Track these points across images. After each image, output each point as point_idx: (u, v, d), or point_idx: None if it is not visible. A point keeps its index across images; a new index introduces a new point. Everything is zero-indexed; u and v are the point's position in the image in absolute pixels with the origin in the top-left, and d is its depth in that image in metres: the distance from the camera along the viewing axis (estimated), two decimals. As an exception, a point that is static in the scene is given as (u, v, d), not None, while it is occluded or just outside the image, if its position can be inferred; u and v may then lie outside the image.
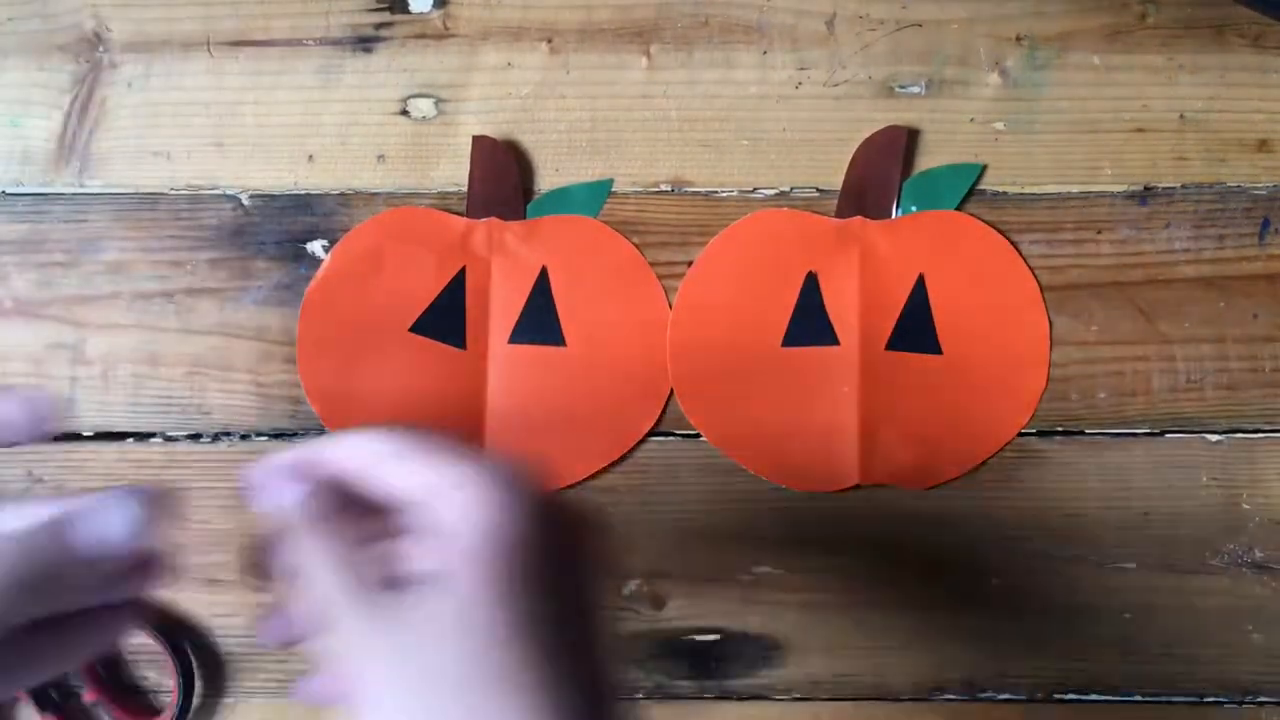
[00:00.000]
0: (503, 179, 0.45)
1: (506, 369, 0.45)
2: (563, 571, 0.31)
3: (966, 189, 0.45)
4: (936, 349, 0.44)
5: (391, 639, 0.30)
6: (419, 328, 0.45)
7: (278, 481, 0.33)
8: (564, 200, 0.45)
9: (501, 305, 0.45)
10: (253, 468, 0.32)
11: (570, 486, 0.45)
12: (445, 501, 0.30)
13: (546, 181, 0.45)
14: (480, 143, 0.45)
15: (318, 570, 0.31)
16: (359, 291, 0.45)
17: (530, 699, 0.29)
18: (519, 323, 0.45)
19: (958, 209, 0.45)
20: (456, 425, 0.45)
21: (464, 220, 0.45)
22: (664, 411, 0.45)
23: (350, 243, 0.45)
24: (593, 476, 0.45)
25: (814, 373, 0.45)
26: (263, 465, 0.33)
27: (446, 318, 0.45)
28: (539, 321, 0.45)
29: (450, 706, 0.29)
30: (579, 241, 0.45)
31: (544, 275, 0.45)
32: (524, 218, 0.45)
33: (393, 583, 0.30)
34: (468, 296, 0.45)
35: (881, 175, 0.45)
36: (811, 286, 0.45)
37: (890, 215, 0.45)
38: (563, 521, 0.31)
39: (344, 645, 0.31)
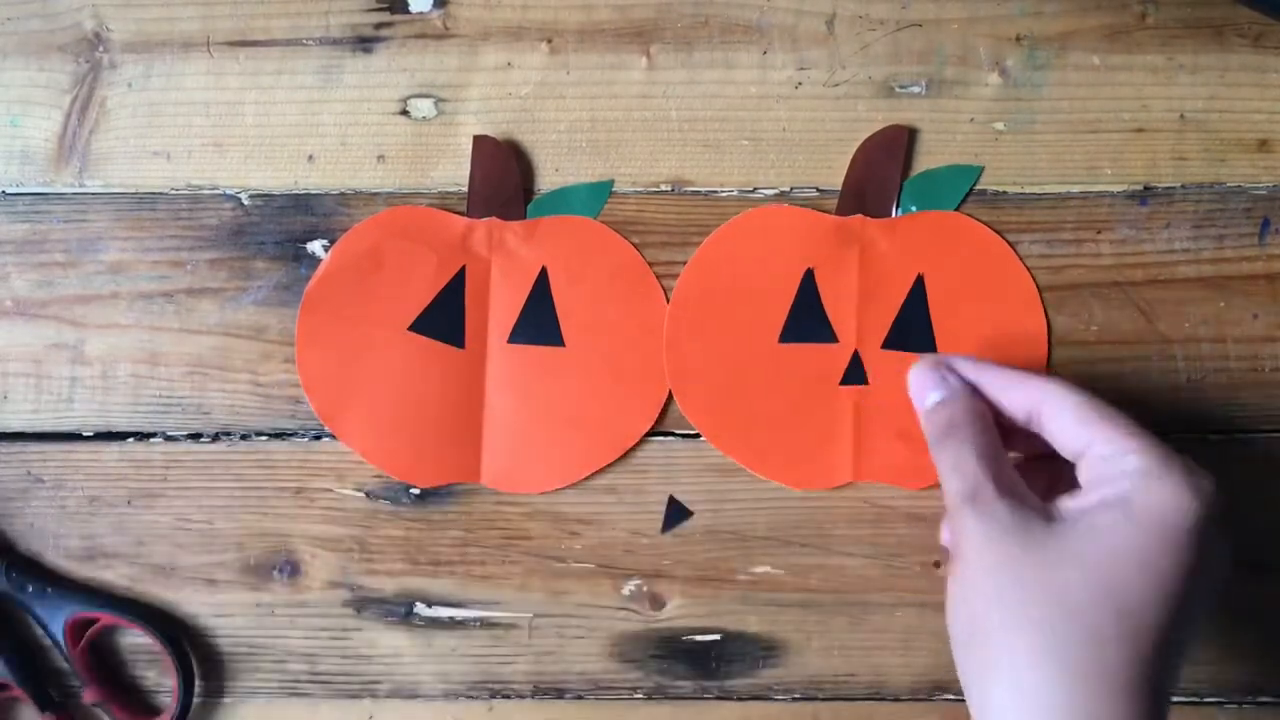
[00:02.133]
0: (503, 179, 0.45)
1: (505, 369, 0.45)
2: (1204, 585, 0.34)
3: (966, 190, 0.45)
4: (933, 348, 0.44)
5: (1028, 526, 0.34)
6: (418, 327, 0.45)
7: (945, 375, 0.38)
8: (564, 200, 0.45)
9: (501, 305, 0.45)
10: (925, 362, 0.38)
11: (570, 486, 0.45)
12: (1136, 484, 0.33)
13: (546, 181, 0.45)
14: (481, 142, 0.45)
15: (961, 459, 0.36)
16: (358, 290, 0.45)
17: (1138, 670, 0.32)
18: (518, 323, 0.45)
19: (957, 210, 0.45)
20: (455, 424, 0.45)
21: (464, 220, 0.45)
22: (664, 411, 0.45)
23: (350, 242, 0.45)
24: (592, 476, 0.45)
25: (811, 369, 0.45)
26: (938, 362, 0.38)
27: (445, 317, 0.45)
28: (538, 321, 0.45)
29: (1063, 633, 0.32)
30: (579, 242, 0.45)
31: (544, 275, 0.45)
32: (524, 218, 0.45)
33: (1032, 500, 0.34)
34: (467, 296, 0.45)
35: (882, 174, 0.45)
36: (810, 283, 0.45)
37: (890, 215, 0.45)
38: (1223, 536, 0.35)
39: (959, 539, 0.35)
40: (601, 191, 0.45)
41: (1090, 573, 0.32)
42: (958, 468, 0.36)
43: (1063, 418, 0.36)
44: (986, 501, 0.35)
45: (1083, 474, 0.35)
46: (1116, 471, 0.34)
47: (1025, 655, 0.32)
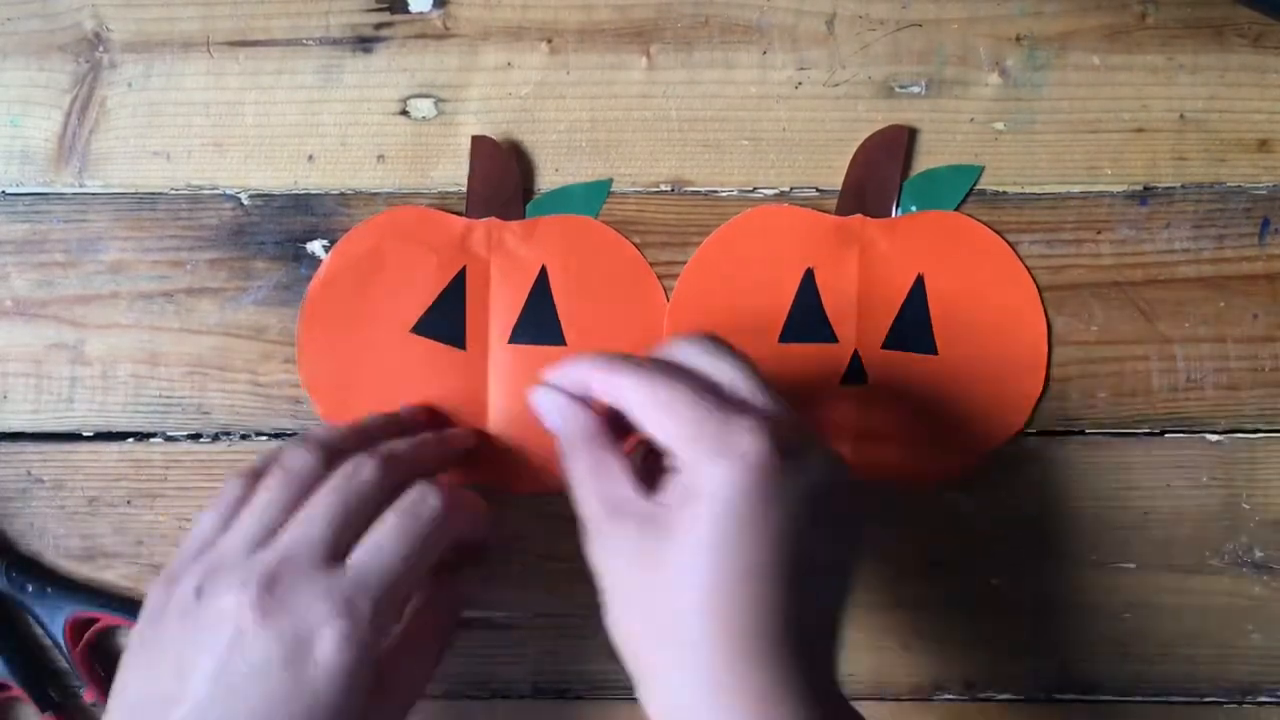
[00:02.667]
0: (502, 179, 0.45)
1: (506, 369, 0.45)
2: (812, 539, 0.33)
3: (967, 190, 0.45)
4: (933, 349, 0.44)
5: (638, 543, 0.33)
6: (420, 328, 0.45)
7: (558, 400, 0.37)
8: (563, 200, 0.45)
9: (501, 305, 0.45)
10: (540, 385, 0.38)
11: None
12: (699, 469, 0.33)
13: (546, 181, 0.45)
14: (479, 142, 0.45)
15: (576, 486, 0.36)
16: (359, 292, 0.45)
17: (768, 630, 0.32)
18: (519, 322, 0.45)
19: (957, 210, 0.45)
20: (459, 425, 0.45)
21: (463, 220, 0.45)
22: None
23: (350, 243, 0.45)
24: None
25: (811, 369, 0.45)
26: (548, 383, 0.38)
27: (447, 318, 0.45)
28: (539, 321, 0.45)
29: (689, 615, 0.32)
30: (579, 241, 0.45)
31: (544, 274, 0.45)
32: (523, 217, 0.45)
33: (647, 494, 0.35)
34: (468, 297, 0.45)
35: (882, 174, 0.45)
36: (809, 283, 0.45)
37: (890, 214, 0.45)
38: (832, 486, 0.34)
39: (596, 551, 0.35)
40: (600, 190, 0.45)
41: (693, 576, 0.32)
42: (576, 495, 0.36)
43: (636, 417, 0.35)
44: (603, 532, 0.35)
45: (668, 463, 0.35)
46: (677, 463, 0.34)
47: (669, 671, 0.32)
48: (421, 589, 0.42)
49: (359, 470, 0.37)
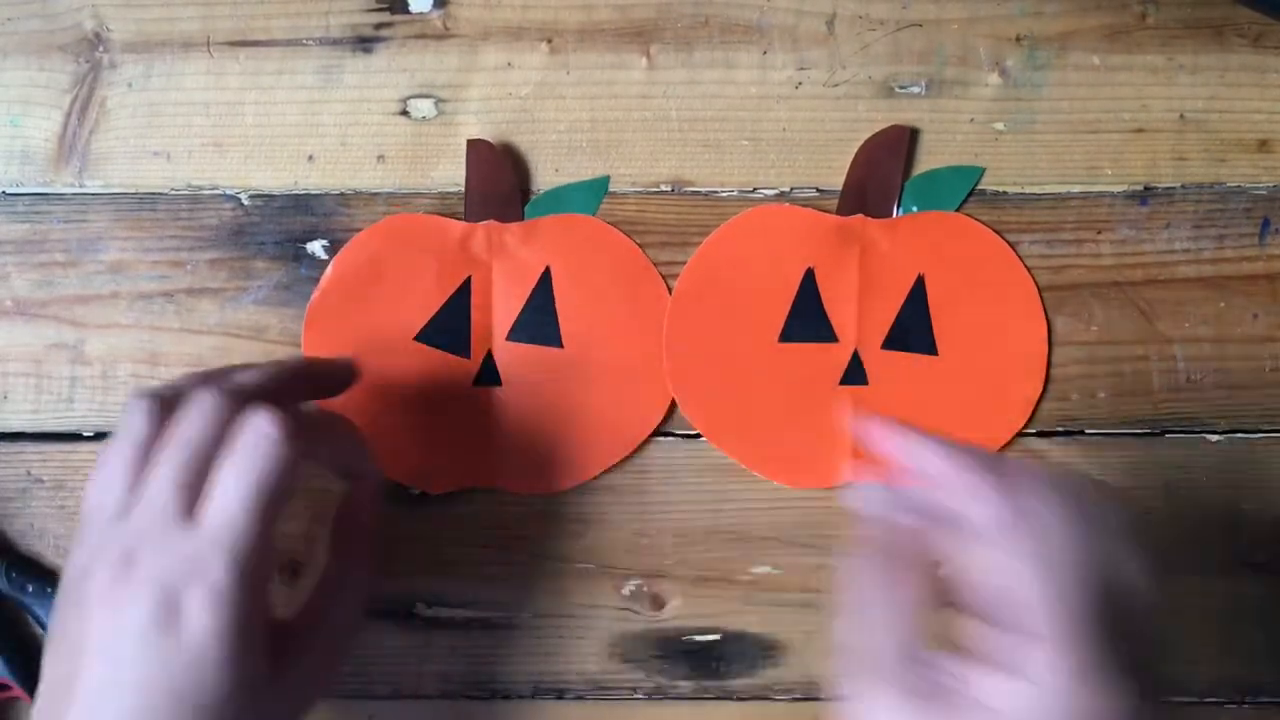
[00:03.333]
0: (499, 181, 0.45)
1: (510, 369, 0.45)
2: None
3: (967, 190, 0.45)
4: (933, 350, 0.44)
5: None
6: (424, 337, 0.45)
7: (892, 509, 0.35)
8: (561, 200, 0.45)
9: (504, 307, 0.45)
10: (876, 489, 0.36)
11: (572, 489, 0.45)
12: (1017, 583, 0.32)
13: (546, 182, 0.45)
14: (474, 145, 0.45)
15: (877, 623, 0.33)
16: (361, 302, 0.45)
17: None
18: (517, 321, 0.45)
19: (958, 210, 0.45)
20: (465, 430, 0.45)
21: (462, 224, 0.45)
22: (667, 413, 0.45)
23: (350, 253, 0.45)
24: (592, 476, 0.45)
25: (811, 369, 0.45)
26: (887, 490, 0.36)
27: (451, 327, 0.45)
28: (540, 321, 0.45)
29: None
30: (580, 240, 0.45)
31: (546, 275, 0.45)
32: (522, 218, 0.45)
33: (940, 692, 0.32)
34: (473, 304, 0.45)
35: (883, 175, 0.45)
36: (810, 283, 0.45)
37: (891, 214, 0.45)
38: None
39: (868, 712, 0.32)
40: (599, 189, 0.45)
41: None
42: (862, 643, 0.34)
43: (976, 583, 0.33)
44: (885, 698, 0.32)
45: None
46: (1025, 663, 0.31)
47: None
48: (329, 553, 0.41)
49: (198, 412, 0.35)
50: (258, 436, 0.34)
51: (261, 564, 0.34)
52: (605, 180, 0.45)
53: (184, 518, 0.34)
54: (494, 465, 0.45)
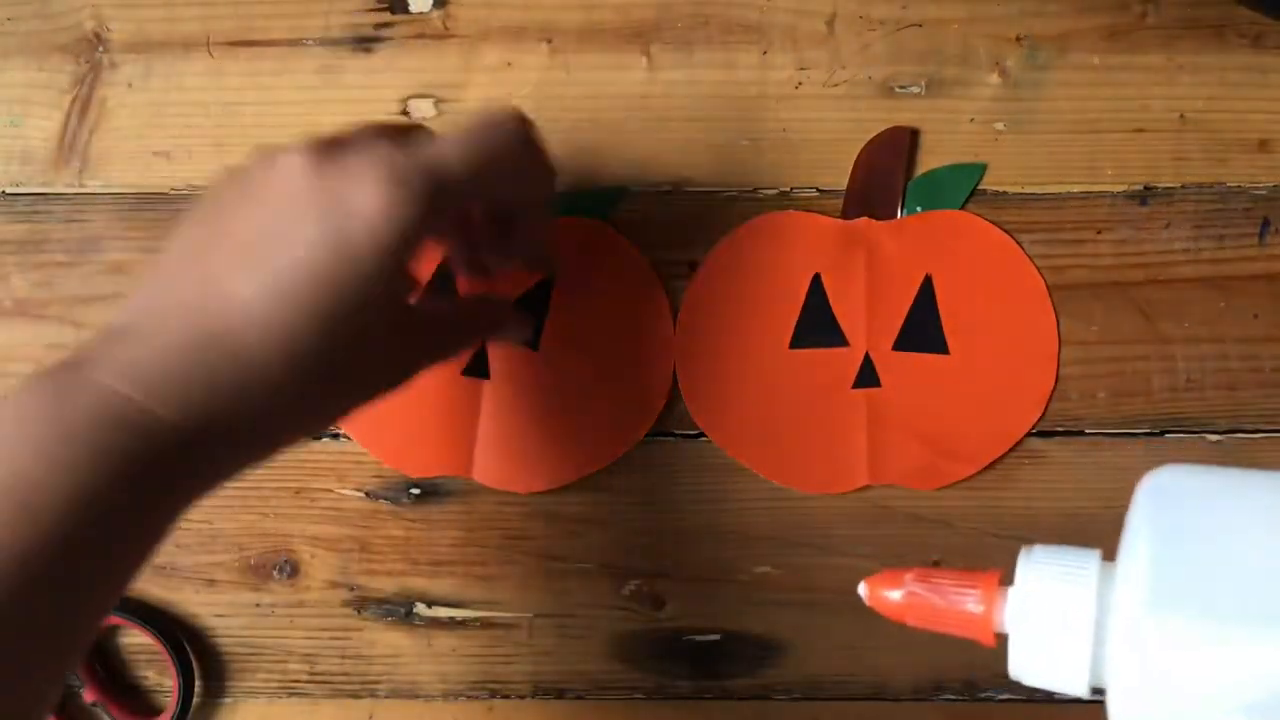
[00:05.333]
0: None
1: (505, 362, 0.45)
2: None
3: (970, 189, 0.45)
4: (944, 349, 0.44)
5: None
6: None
7: None
8: (571, 205, 0.45)
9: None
10: None
11: (570, 486, 0.45)
12: None
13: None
14: None
15: None
16: None
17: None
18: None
19: (961, 209, 0.45)
20: (451, 415, 0.45)
21: None
22: (664, 411, 0.45)
23: None
24: (592, 476, 0.45)
25: (823, 374, 0.45)
26: None
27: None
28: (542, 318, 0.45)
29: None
30: (582, 242, 0.45)
31: (549, 277, 0.45)
32: None
33: None
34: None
35: (886, 176, 0.45)
36: (818, 288, 0.45)
37: (895, 216, 0.45)
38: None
39: None
40: (610, 196, 0.45)
41: None
42: None
43: None
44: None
45: None
46: None
47: None
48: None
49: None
50: (508, 120, 0.36)
51: (441, 214, 0.33)
52: (619, 190, 0.45)
53: (401, 140, 0.33)
54: (479, 457, 0.45)
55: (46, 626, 0.29)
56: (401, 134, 0.34)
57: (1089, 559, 0.29)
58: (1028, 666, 0.29)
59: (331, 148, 0.32)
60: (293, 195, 0.32)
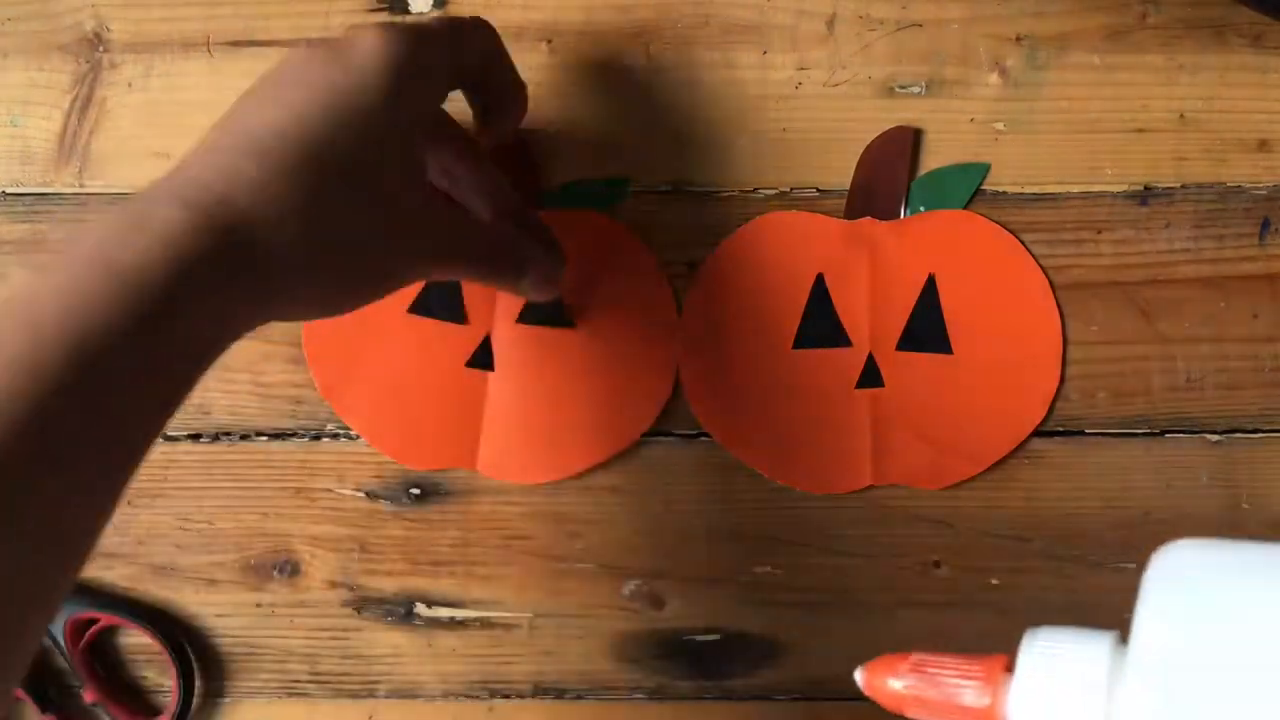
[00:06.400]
0: (517, 171, 0.45)
1: (509, 351, 0.45)
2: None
3: (974, 188, 0.45)
4: (947, 349, 0.44)
5: None
6: (416, 308, 0.45)
7: None
8: (578, 196, 0.45)
9: (511, 299, 0.45)
10: None
11: (569, 486, 0.45)
12: None
13: (546, 181, 0.45)
14: None
15: None
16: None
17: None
18: (528, 303, 0.45)
19: (965, 208, 0.45)
20: (455, 407, 0.45)
21: None
22: (664, 411, 0.45)
23: None
24: (592, 476, 0.45)
25: (826, 374, 0.45)
26: None
27: (443, 295, 0.45)
28: (544, 311, 0.45)
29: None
30: (589, 237, 0.45)
31: None
32: (540, 207, 0.45)
33: None
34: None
35: (889, 176, 0.45)
36: (821, 288, 0.45)
37: (898, 216, 0.45)
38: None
39: None
40: (616, 188, 0.45)
41: None
42: None
43: None
44: None
45: None
46: None
47: None
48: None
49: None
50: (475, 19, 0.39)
51: (435, 62, 0.37)
52: (626, 181, 0.45)
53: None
54: (483, 449, 0.45)
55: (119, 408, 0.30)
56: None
57: (1097, 646, 0.28)
58: None
59: (341, 32, 0.36)
60: (310, 52, 0.35)
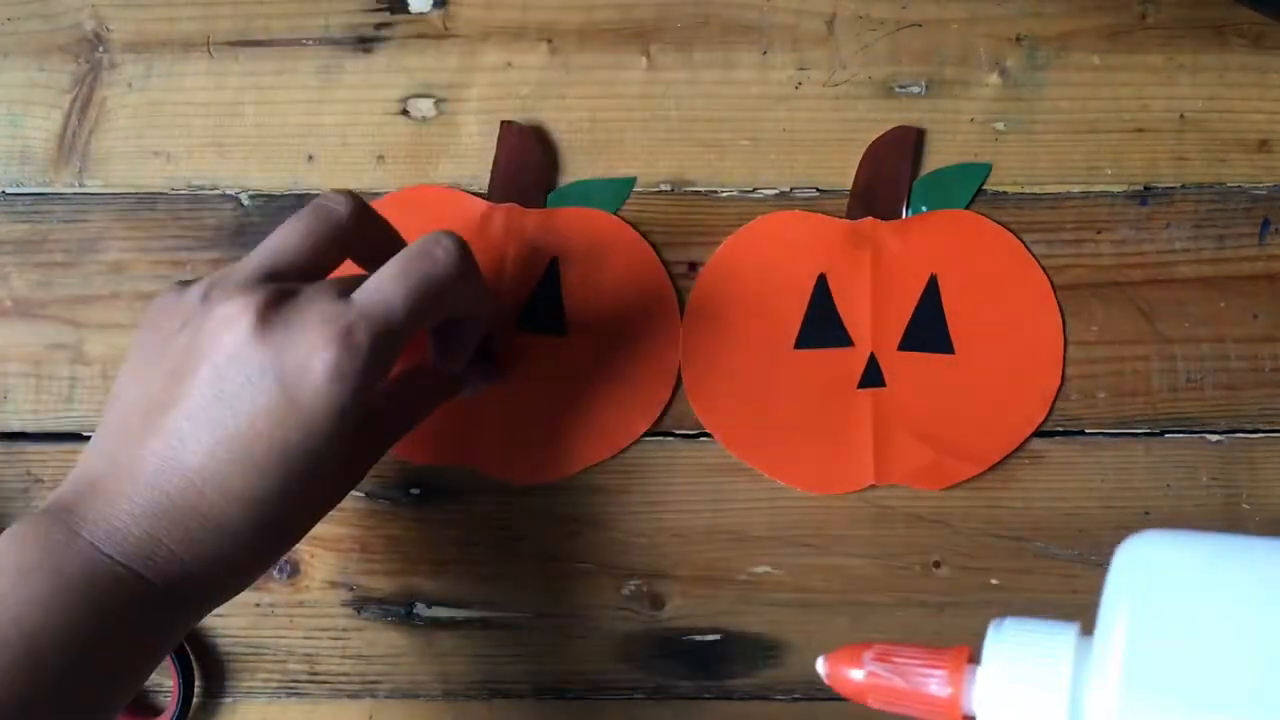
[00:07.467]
0: (527, 165, 0.45)
1: (513, 353, 0.45)
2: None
3: (976, 188, 0.45)
4: (949, 349, 0.44)
5: None
6: None
7: None
8: (585, 194, 0.45)
9: (510, 291, 0.45)
10: None
11: (569, 486, 0.45)
12: None
13: (548, 182, 0.46)
14: (508, 129, 0.45)
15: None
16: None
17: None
18: (527, 308, 0.45)
19: (967, 208, 0.45)
20: (457, 406, 0.45)
21: (484, 203, 0.45)
22: (664, 411, 0.45)
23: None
24: (592, 476, 0.45)
25: (828, 374, 0.45)
26: None
27: None
28: (545, 309, 0.45)
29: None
30: (594, 235, 0.45)
31: (554, 265, 0.45)
32: (544, 206, 0.45)
33: None
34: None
35: (891, 176, 0.45)
36: (823, 288, 0.45)
37: (900, 216, 0.45)
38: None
39: None
40: (623, 188, 0.45)
41: None
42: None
43: None
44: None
45: None
46: None
47: None
48: (419, 352, 0.42)
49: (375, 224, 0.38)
50: (438, 248, 0.36)
51: (389, 354, 0.35)
52: (631, 180, 0.45)
53: (339, 293, 0.34)
54: (481, 447, 0.45)
55: None
56: (341, 283, 0.35)
57: (1062, 637, 0.27)
58: None
59: (275, 305, 0.34)
60: (244, 360, 0.33)
